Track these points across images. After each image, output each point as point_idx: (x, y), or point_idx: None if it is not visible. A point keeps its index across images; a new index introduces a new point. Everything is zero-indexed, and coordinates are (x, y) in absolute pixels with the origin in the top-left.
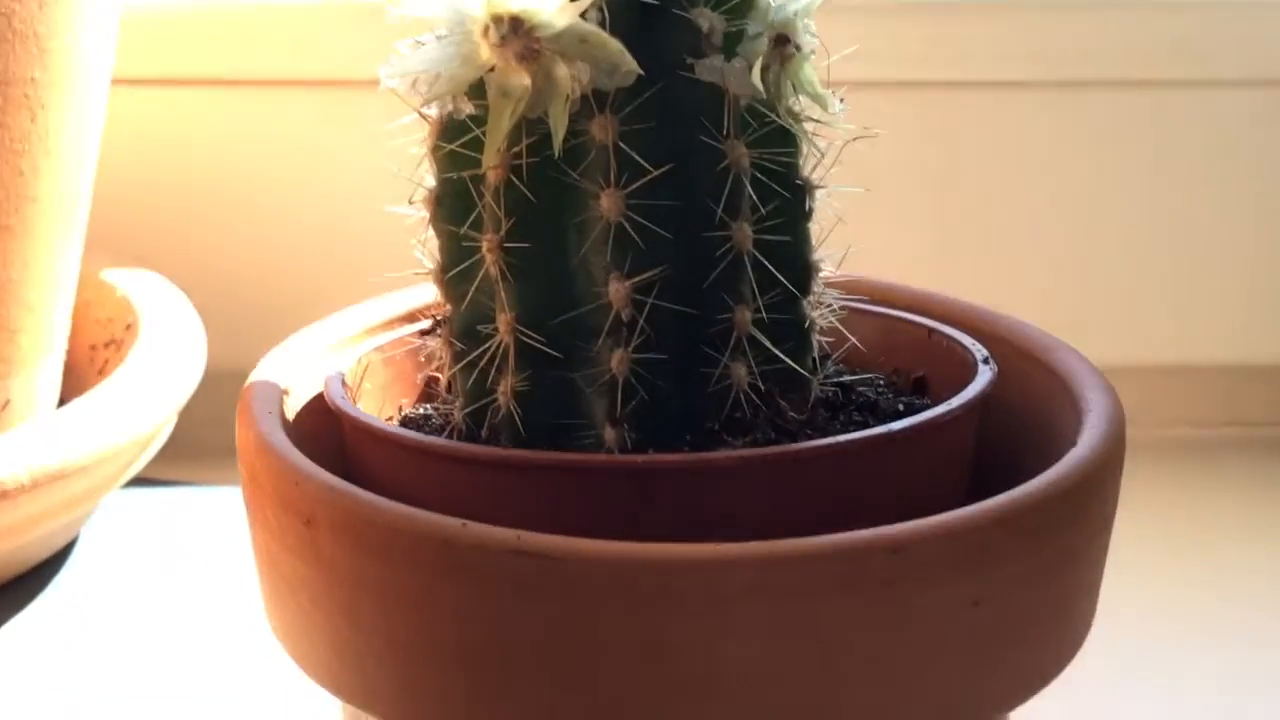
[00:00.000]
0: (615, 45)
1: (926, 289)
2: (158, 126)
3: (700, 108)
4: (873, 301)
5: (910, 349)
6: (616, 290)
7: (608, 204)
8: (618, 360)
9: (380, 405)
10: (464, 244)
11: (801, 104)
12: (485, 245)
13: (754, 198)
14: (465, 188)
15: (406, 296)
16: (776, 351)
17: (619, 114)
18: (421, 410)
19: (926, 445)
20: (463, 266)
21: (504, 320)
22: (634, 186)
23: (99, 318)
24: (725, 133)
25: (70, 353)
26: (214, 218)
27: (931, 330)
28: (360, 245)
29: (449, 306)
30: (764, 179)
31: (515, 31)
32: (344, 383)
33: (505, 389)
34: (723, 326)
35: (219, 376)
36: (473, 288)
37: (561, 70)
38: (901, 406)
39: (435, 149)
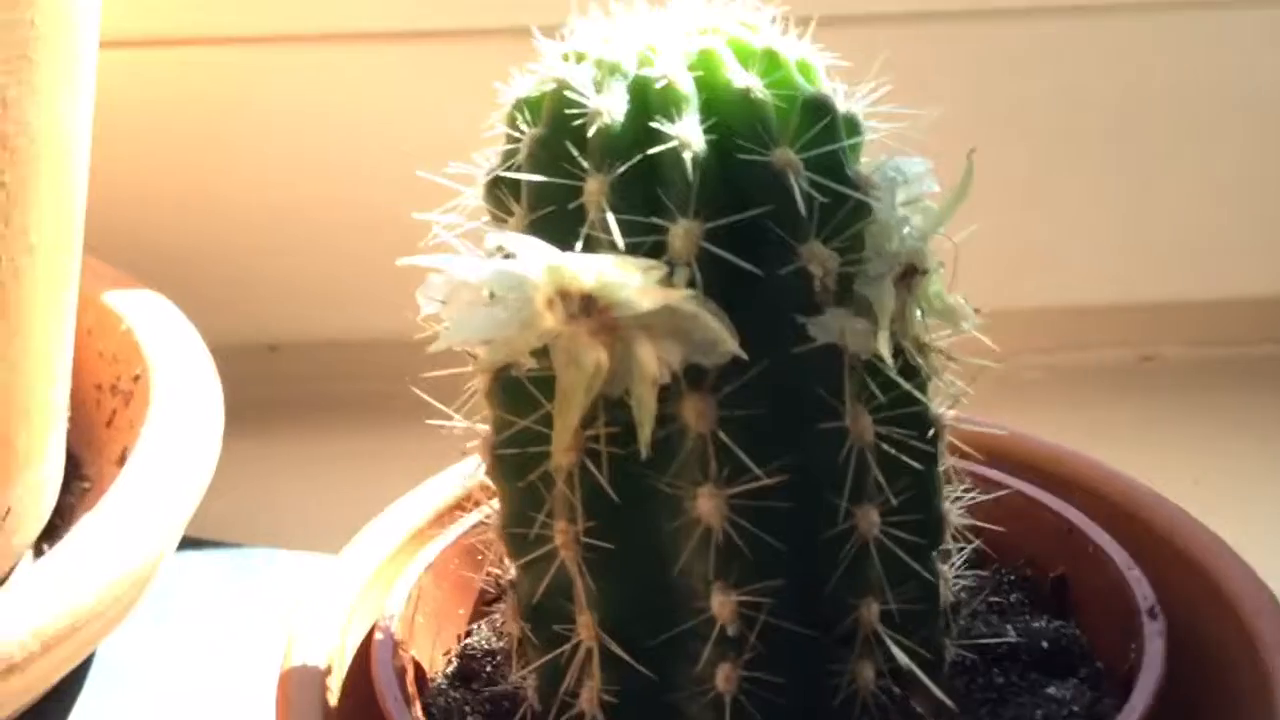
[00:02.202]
0: (712, 323)
1: (1063, 449)
2: (141, 89)
3: (814, 376)
4: (998, 462)
5: (1049, 540)
6: (721, 605)
7: (707, 507)
8: (724, 677)
9: (435, 636)
10: (529, 511)
11: (928, 327)
12: (560, 535)
13: (879, 474)
14: (531, 445)
15: (448, 483)
16: (908, 645)
17: (717, 394)
18: (482, 645)
19: None
20: (531, 539)
21: (585, 622)
22: (738, 487)
23: (103, 351)
24: (844, 401)
25: (75, 392)
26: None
27: (1072, 527)
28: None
29: (514, 571)
30: (890, 446)
31: (588, 311)
32: (394, 644)
33: (590, 698)
34: (847, 625)
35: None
36: (547, 575)
37: (646, 350)
38: (1046, 644)
39: (491, 394)
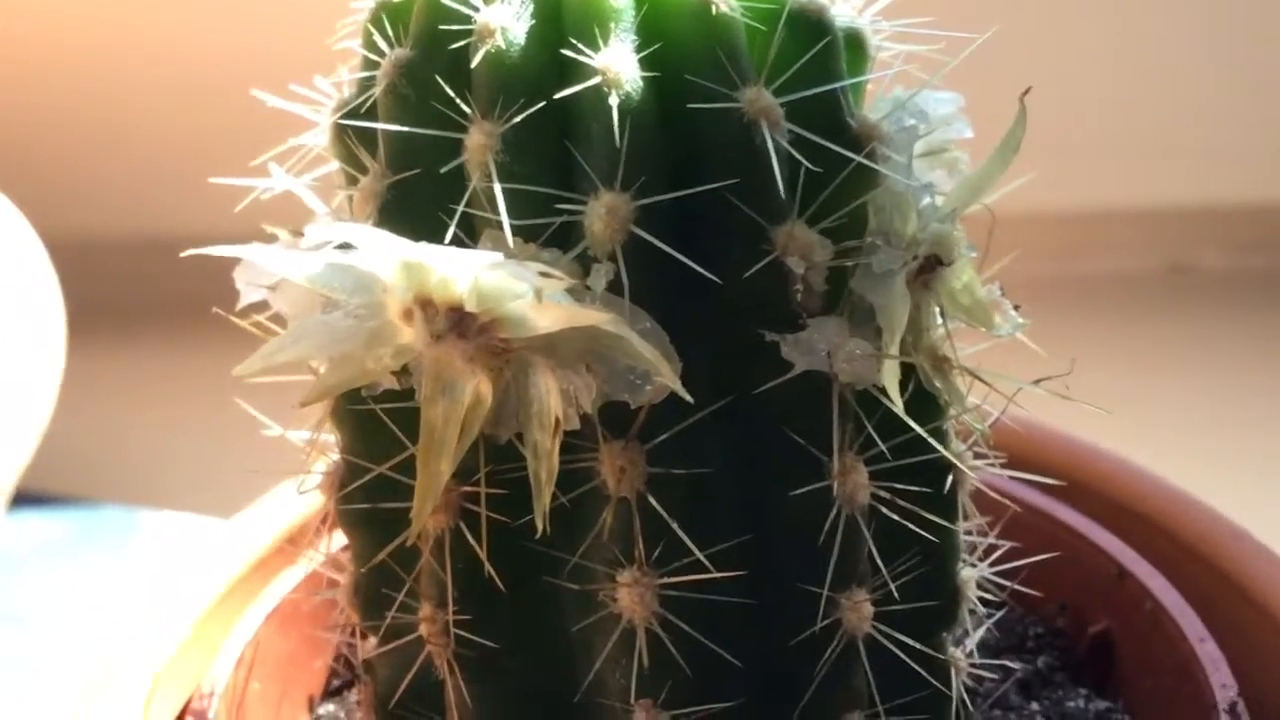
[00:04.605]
0: (642, 347)
1: (1118, 463)
2: None
3: (789, 418)
4: (1029, 471)
5: (1091, 584)
6: None
7: (629, 600)
8: None
9: (279, 703)
10: (386, 583)
11: (949, 335)
12: (425, 624)
13: (875, 548)
14: (388, 498)
15: (282, 508)
16: None
17: (648, 445)
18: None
19: None
20: (390, 619)
21: None
22: (673, 570)
23: None
24: (831, 452)
25: None
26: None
27: (1124, 572)
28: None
29: (371, 654)
30: (893, 509)
31: (461, 328)
32: None
33: None
34: None
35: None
36: (410, 671)
37: (545, 382)
38: None
39: (337, 422)
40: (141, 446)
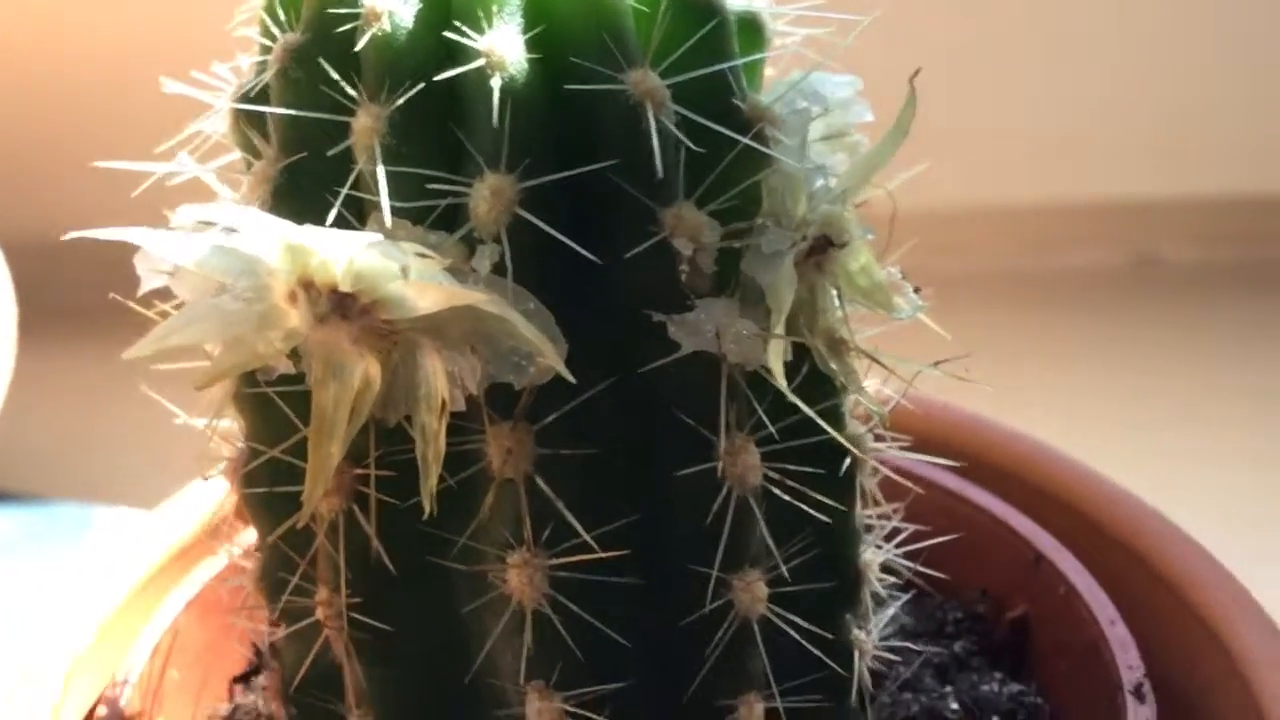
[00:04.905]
0: (526, 328)
1: (1037, 448)
2: None
3: (678, 398)
4: (950, 456)
5: (1009, 569)
6: (540, 715)
7: (519, 582)
8: None
9: (199, 691)
10: (285, 568)
11: (847, 317)
12: (322, 607)
13: (768, 530)
14: (284, 481)
15: (207, 496)
16: None
17: (536, 426)
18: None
19: None
20: (292, 610)
21: None
22: (562, 551)
23: None
24: (720, 433)
25: None
26: None
27: (1041, 557)
28: None
29: (277, 639)
30: (786, 491)
31: (344, 309)
32: None
33: None
34: None
35: None
36: (310, 653)
37: (431, 364)
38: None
39: (237, 405)
40: (95, 443)
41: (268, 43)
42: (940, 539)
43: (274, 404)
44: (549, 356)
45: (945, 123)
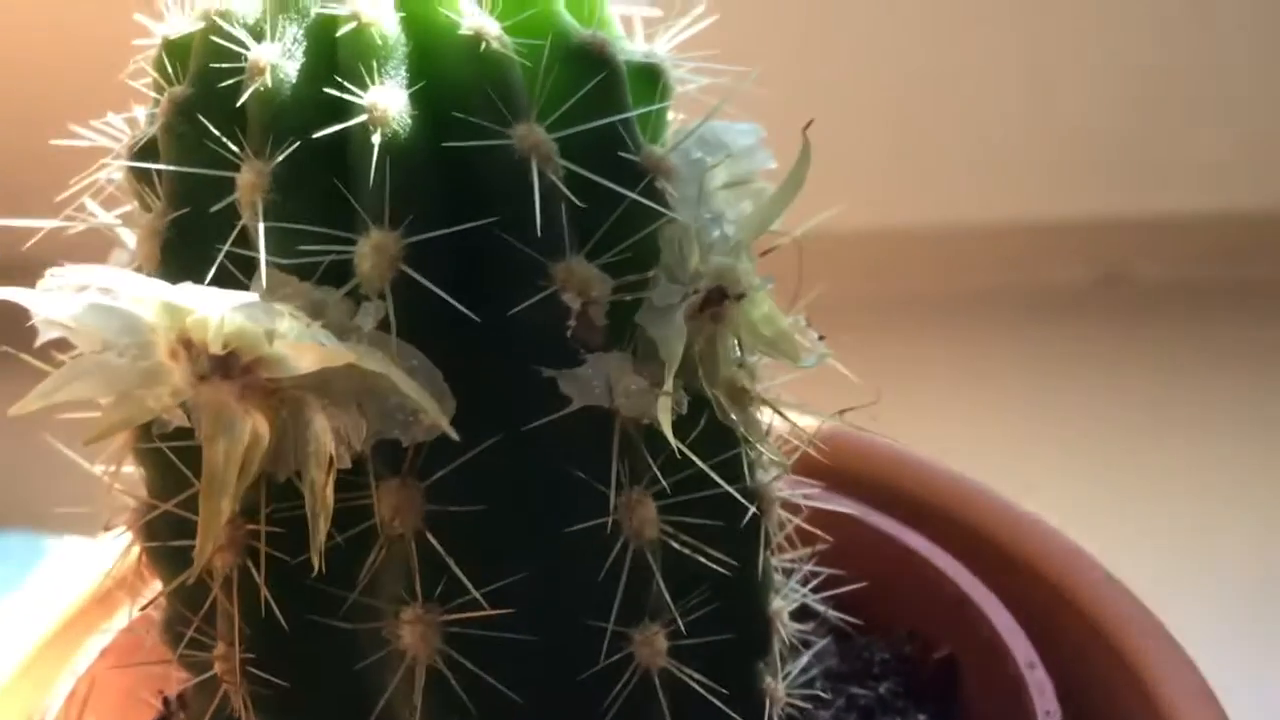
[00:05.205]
0: (408, 385)
1: (968, 486)
2: None
3: (569, 453)
4: (878, 495)
5: (937, 611)
6: None
7: (412, 637)
8: None
9: None
10: (183, 622)
11: (748, 368)
12: (219, 661)
13: (663, 584)
14: (181, 535)
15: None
16: None
17: (424, 482)
18: None
19: None
20: (194, 662)
21: None
22: (456, 607)
23: None
24: (613, 487)
25: None
26: None
27: (965, 600)
28: None
29: (188, 688)
30: (682, 545)
31: (226, 370)
32: None
33: None
34: None
35: None
36: (212, 705)
37: (318, 421)
38: None
39: (136, 456)
40: (47, 471)
41: (157, 95)
42: (860, 583)
43: (170, 458)
44: (433, 414)
45: (909, 143)
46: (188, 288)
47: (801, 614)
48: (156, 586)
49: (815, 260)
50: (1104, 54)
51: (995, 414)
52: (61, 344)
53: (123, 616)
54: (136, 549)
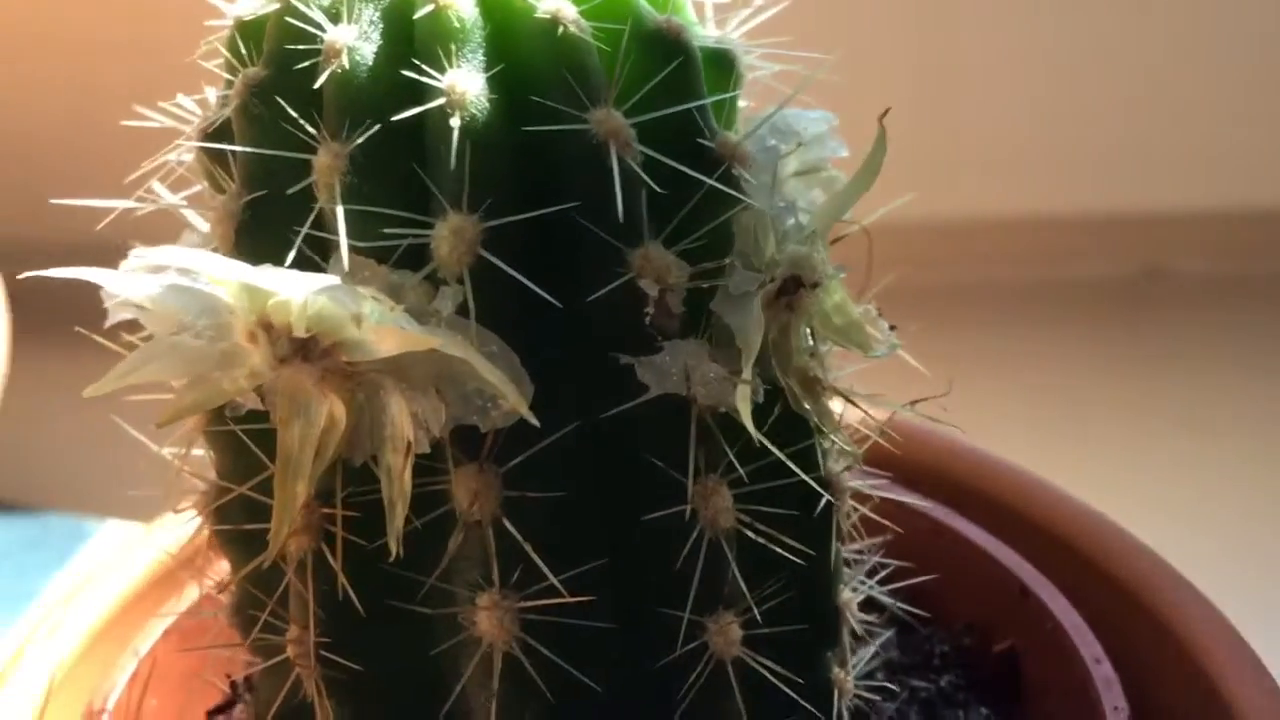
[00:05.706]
0: (489, 371)
1: (1024, 478)
2: None
3: (646, 441)
4: (936, 489)
5: (997, 603)
6: None
7: (489, 624)
8: None
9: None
10: (256, 605)
11: (823, 357)
12: (293, 645)
13: (740, 572)
14: (254, 518)
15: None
16: None
17: (501, 468)
18: None
19: None
20: (265, 646)
21: None
22: (533, 594)
23: None
24: (690, 475)
25: None
26: None
27: (1027, 591)
28: None
29: (253, 673)
30: (758, 534)
31: (306, 352)
32: None
33: None
34: None
35: None
36: (283, 690)
37: (396, 406)
38: None
39: (207, 440)
40: (89, 454)
41: (230, 77)
42: (924, 577)
43: (243, 441)
44: (512, 399)
45: (952, 136)
46: (268, 270)
47: (864, 605)
48: (220, 569)
49: (877, 250)
50: (1154, 47)
51: (1050, 407)
52: (130, 326)
53: (184, 599)
54: (205, 532)
